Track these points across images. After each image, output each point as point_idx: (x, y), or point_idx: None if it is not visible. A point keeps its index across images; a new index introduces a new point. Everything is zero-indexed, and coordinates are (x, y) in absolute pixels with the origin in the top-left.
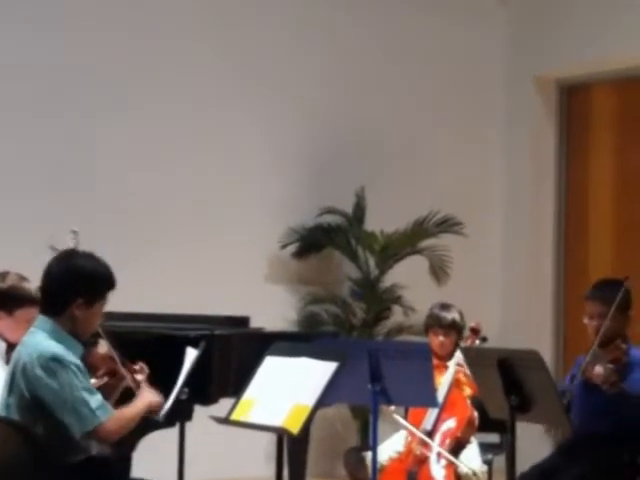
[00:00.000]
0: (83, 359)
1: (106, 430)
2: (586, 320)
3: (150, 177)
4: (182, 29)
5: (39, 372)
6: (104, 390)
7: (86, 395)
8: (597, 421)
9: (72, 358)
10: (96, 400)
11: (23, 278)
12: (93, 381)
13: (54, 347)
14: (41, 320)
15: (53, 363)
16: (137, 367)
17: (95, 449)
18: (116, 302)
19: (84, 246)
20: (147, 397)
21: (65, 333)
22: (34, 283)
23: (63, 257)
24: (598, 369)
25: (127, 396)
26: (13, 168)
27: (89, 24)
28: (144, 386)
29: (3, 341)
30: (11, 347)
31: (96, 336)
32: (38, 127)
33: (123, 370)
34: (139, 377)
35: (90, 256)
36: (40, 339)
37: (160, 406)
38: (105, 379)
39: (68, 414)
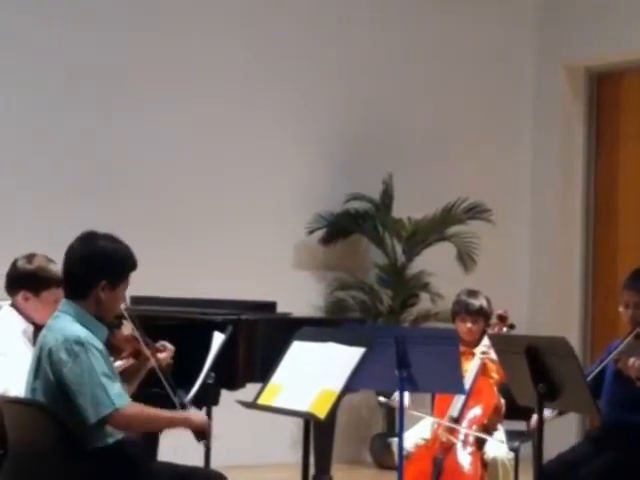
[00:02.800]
0: (107, 341)
1: (121, 418)
2: (621, 309)
3: (180, 167)
4: (210, 25)
5: (63, 356)
6: (129, 371)
7: (105, 380)
8: (626, 412)
9: (95, 342)
10: (115, 387)
11: (50, 260)
12: (118, 363)
13: (79, 331)
14: (65, 304)
15: (77, 346)
16: (160, 346)
17: (120, 434)
18: (146, 287)
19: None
20: (189, 414)
21: (90, 316)
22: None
23: (84, 239)
24: (632, 362)
25: (151, 375)
26: (56, 164)
27: (120, 24)
28: (192, 408)
29: (30, 323)
30: (38, 329)
31: (120, 318)
32: (74, 125)
33: (147, 351)
34: (163, 356)
35: (110, 237)
36: (65, 323)
37: (206, 428)
38: (130, 360)
39: (84, 398)
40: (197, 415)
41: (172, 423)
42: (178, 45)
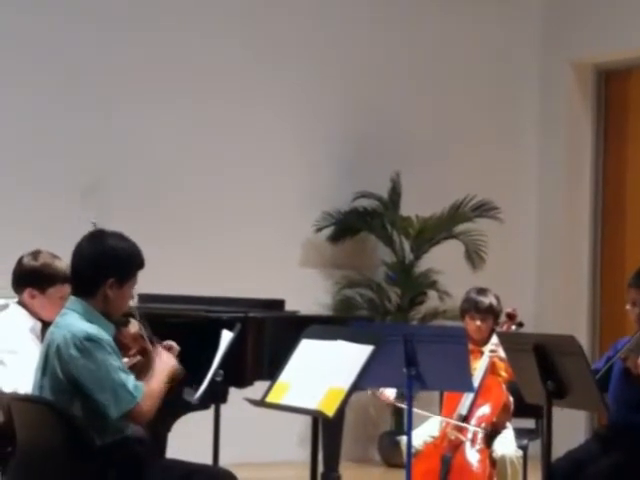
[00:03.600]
0: (114, 339)
1: (142, 409)
2: (628, 307)
3: (186, 165)
4: (210, 25)
5: (74, 352)
6: (136, 369)
7: (123, 376)
8: (634, 412)
9: (105, 337)
10: (132, 380)
11: (55, 256)
12: (125, 360)
13: (87, 327)
14: (73, 301)
15: (88, 343)
16: (166, 345)
17: (130, 430)
18: (153, 285)
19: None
20: (164, 364)
21: (97, 313)
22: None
23: (92, 237)
24: None
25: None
26: (56, 163)
27: (122, 23)
28: (157, 354)
29: (38, 320)
30: (46, 326)
31: (127, 316)
32: (76, 119)
33: (153, 349)
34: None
35: (119, 236)
36: (73, 320)
37: (180, 370)
38: (137, 358)
39: (105, 395)
40: (171, 359)
41: (165, 381)
42: (178, 45)
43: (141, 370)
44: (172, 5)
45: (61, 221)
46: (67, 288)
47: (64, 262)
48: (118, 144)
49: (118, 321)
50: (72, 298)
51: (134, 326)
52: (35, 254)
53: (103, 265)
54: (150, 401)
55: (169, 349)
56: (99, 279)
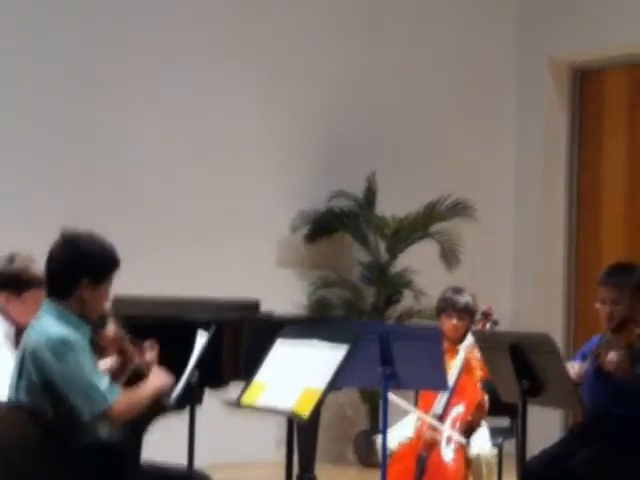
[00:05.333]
0: (92, 340)
1: (115, 412)
2: (598, 305)
3: (164, 165)
4: (186, 20)
5: (48, 356)
6: (113, 371)
7: (95, 377)
8: (609, 406)
9: (79, 340)
10: (104, 382)
11: (32, 260)
12: (102, 362)
13: (61, 330)
14: (48, 304)
15: (62, 346)
16: (147, 345)
17: (105, 433)
18: (128, 286)
19: (104, 234)
20: (158, 379)
21: (72, 315)
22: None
23: (66, 239)
24: (611, 356)
25: (136, 376)
26: (44, 158)
27: (119, 21)
28: (155, 368)
29: (12, 324)
30: (20, 331)
31: (103, 317)
32: (67, 120)
33: (132, 350)
34: (149, 356)
35: (93, 236)
36: (47, 323)
37: (170, 388)
38: (114, 359)
39: (77, 397)
40: (163, 377)
41: (154, 397)
42: (157, 46)
43: (119, 371)
44: (147, 3)
45: (41, 220)
46: (43, 292)
47: (40, 265)
48: (100, 144)
49: (95, 322)
50: (47, 300)
51: (111, 327)
52: (11, 258)
53: (76, 266)
54: (127, 407)
55: (150, 348)
56: (73, 280)
